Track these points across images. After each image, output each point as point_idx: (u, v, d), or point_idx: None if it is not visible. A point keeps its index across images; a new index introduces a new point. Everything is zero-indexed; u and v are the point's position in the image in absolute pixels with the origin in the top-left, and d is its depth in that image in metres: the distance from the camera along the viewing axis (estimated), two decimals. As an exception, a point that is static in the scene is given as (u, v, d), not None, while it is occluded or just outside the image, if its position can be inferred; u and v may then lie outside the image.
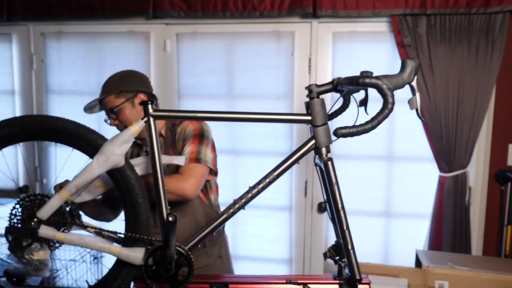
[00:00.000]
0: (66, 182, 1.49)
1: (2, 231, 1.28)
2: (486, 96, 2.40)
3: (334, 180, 1.19)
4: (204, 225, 1.31)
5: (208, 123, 1.83)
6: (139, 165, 1.42)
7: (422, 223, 2.59)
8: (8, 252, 1.29)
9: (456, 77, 2.39)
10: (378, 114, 1.07)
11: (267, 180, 1.24)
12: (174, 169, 1.70)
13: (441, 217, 2.50)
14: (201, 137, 1.71)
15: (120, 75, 1.75)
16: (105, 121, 1.75)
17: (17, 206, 1.30)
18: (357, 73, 1.13)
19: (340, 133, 1.11)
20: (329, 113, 1.31)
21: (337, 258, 1.31)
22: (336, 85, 1.22)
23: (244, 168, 2.71)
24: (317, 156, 1.25)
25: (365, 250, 2.55)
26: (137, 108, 1.70)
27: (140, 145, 1.84)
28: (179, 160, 1.54)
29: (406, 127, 2.56)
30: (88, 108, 1.76)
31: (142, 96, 1.71)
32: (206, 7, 2.56)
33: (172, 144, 1.74)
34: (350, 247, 1.18)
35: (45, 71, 2.86)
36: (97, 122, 2.81)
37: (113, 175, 1.29)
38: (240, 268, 2.05)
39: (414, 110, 1.13)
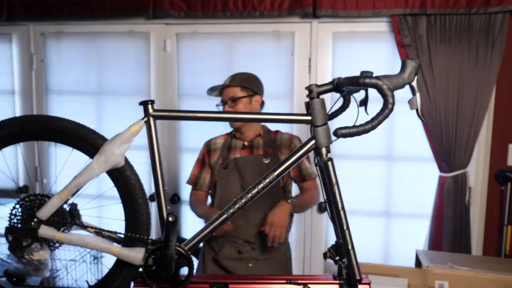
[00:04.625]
0: None
1: (2, 231, 1.28)
2: (486, 96, 2.40)
3: (334, 180, 1.19)
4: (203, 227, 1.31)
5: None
6: None
7: (422, 223, 2.59)
8: (8, 252, 1.29)
9: (456, 77, 2.39)
10: (378, 114, 1.07)
11: (267, 180, 1.24)
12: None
13: (441, 217, 2.50)
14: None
15: (248, 75, 2.05)
16: (217, 106, 2.04)
17: (17, 206, 1.30)
18: (357, 73, 1.13)
19: (340, 133, 1.11)
20: (329, 113, 1.31)
21: (337, 258, 1.30)
22: (336, 85, 1.22)
23: (244, 168, 2.70)
24: (317, 156, 1.25)
25: (365, 250, 2.55)
26: (252, 105, 2.00)
27: (236, 138, 2.07)
28: None
29: (406, 127, 2.56)
30: (210, 89, 2.04)
31: (258, 98, 2.02)
32: (206, 7, 2.56)
33: (272, 145, 2.02)
34: (350, 247, 1.18)
35: (45, 71, 2.86)
36: (97, 122, 2.82)
37: (113, 175, 1.29)
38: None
39: (414, 110, 1.12)
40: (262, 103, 2.07)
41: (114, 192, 1.33)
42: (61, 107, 2.87)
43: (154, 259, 1.26)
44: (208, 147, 2.12)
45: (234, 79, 2.00)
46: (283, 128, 2.65)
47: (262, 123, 2.09)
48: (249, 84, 1.99)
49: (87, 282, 1.39)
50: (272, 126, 2.15)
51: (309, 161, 2.07)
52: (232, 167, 1.98)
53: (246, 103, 1.98)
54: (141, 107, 1.29)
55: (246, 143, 2.05)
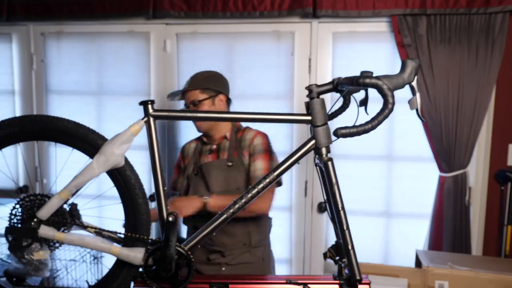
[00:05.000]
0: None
1: (2, 231, 1.28)
2: (486, 96, 2.40)
3: (334, 180, 1.19)
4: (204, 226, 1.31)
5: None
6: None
7: (422, 223, 2.59)
8: (8, 252, 1.29)
9: (456, 77, 2.39)
10: (378, 114, 1.07)
11: (267, 180, 1.24)
12: (237, 170, 1.87)
13: (441, 217, 2.50)
14: (271, 152, 1.93)
15: (208, 74, 1.98)
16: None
17: (17, 206, 1.30)
18: (357, 73, 1.13)
19: (340, 133, 1.11)
20: (329, 113, 1.31)
21: (337, 258, 1.31)
22: (336, 85, 1.22)
23: (244, 168, 2.70)
24: (317, 156, 1.25)
25: (365, 250, 2.55)
26: (216, 106, 1.94)
27: (205, 143, 2.01)
28: None
29: (406, 127, 2.56)
30: (171, 95, 1.99)
31: (222, 97, 1.95)
32: (206, 7, 2.56)
33: (237, 147, 1.93)
34: (350, 247, 1.18)
35: (45, 71, 2.86)
36: (97, 122, 2.82)
37: (113, 175, 1.29)
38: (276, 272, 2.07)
39: (414, 110, 1.13)
40: (228, 101, 2.01)
41: (114, 192, 1.33)
42: (61, 107, 2.87)
43: (154, 259, 1.26)
44: (183, 152, 2.11)
45: (192, 82, 1.94)
46: (283, 128, 2.66)
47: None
48: (210, 84, 1.93)
49: (87, 282, 1.39)
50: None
51: (269, 161, 1.89)
52: (200, 173, 1.94)
53: (209, 105, 1.94)
54: (141, 107, 1.29)
55: (214, 147, 1.99)
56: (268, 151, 1.91)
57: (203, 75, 1.97)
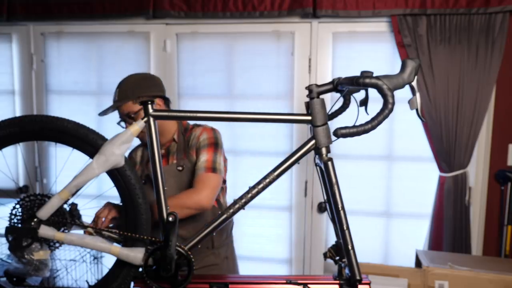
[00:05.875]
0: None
1: (2, 231, 1.28)
2: (486, 96, 2.40)
3: (334, 180, 1.19)
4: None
5: (209, 123, 1.86)
6: None
7: (422, 223, 2.59)
8: (8, 252, 1.29)
9: (456, 77, 2.39)
10: (378, 114, 1.07)
11: (267, 180, 1.24)
12: (189, 174, 1.75)
13: (441, 217, 2.50)
14: (216, 146, 1.77)
15: (137, 80, 1.75)
16: (118, 123, 1.77)
17: (17, 206, 1.30)
18: (357, 73, 1.13)
19: (340, 133, 1.11)
20: (329, 113, 1.31)
21: (337, 258, 1.31)
22: (336, 85, 1.22)
23: (244, 168, 2.71)
24: (317, 156, 1.25)
25: (365, 250, 2.55)
26: None
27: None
28: None
29: (406, 127, 2.56)
30: (102, 112, 1.73)
31: (158, 102, 1.75)
32: (206, 7, 2.56)
33: (185, 149, 1.78)
34: (350, 247, 1.18)
35: (45, 71, 2.86)
36: (97, 122, 2.82)
37: (113, 175, 1.29)
38: (239, 268, 2.06)
39: (414, 110, 1.13)
40: (166, 102, 1.81)
41: (114, 192, 1.33)
42: (61, 107, 2.87)
43: (154, 259, 1.26)
44: (130, 160, 1.91)
45: (122, 94, 1.71)
46: (283, 128, 2.66)
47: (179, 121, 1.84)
48: (141, 91, 1.70)
49: (87, 282, 1.39)
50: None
51: (212, 154, 1.72)
52: (148, 182, 1.75)
53: None
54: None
55: (162, 152, 1.80)
56: (213, 144, 1.75)
57: (131, 82, 1.74)
